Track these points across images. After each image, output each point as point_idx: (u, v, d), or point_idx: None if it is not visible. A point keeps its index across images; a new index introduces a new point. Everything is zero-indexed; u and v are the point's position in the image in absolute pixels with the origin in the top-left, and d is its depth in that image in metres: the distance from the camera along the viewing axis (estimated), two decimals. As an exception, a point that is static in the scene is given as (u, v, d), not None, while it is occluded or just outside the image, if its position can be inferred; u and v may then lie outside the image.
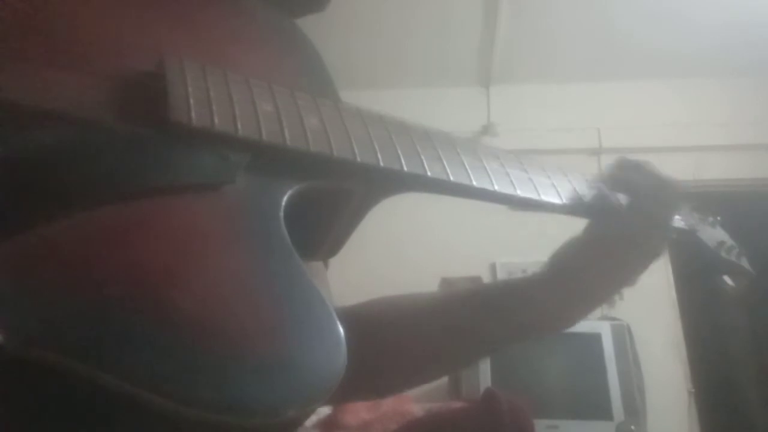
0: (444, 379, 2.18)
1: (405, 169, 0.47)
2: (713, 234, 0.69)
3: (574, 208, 0.57)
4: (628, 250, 0.58)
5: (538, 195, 0.54)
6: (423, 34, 2.67)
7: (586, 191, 0.59)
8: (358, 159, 0.45)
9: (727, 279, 0.68)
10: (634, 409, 2.05)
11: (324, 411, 1.51)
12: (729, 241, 0.69)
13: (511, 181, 0.53)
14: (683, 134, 2.75)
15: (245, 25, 0.56)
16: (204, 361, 0.31)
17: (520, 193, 0.53)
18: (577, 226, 0.62)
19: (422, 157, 0.49)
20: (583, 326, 2.22)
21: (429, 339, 0.61)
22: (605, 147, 2.76)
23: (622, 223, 0.57)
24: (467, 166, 0.51)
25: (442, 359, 0.64)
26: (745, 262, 0.69)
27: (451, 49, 2.76)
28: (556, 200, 0.55)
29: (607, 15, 2.53)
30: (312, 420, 1.42)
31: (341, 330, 0.36)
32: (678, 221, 0.65)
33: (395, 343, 0.60)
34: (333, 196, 0.48)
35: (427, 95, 2.86)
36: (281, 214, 0.41)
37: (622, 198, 0.58)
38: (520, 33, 2.65)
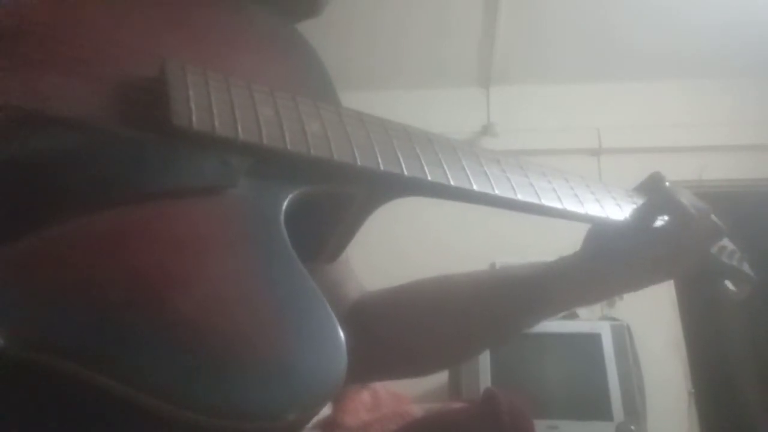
0: (444, 379, 2.18)
1: (405, 173, 0.47)
2: None
3: (575, 213, 0.57)
4: (664, 266, 0.60)
5: (539, 199, 0.54)
6: (422, 34, 2.67)
7: (588, 195, 0.59)
8: (359, 163, 0.45)
9: (728, 284, 0.67)
10: (634, 409, 2.05)
11: (324, 411, 1.51)
12: (730, 246, 0.68)
13: (512, 186, 0.53)
14: (684, 135, 2.75)
15: (246, 31, 0.57)
16: (204, 365, 0.31)
17: (521, 197, 0.53)
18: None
19: (423, 161, 0.49)
20: (583, 326, 2.24)
21: (470, 320, 0.64)
22: (605, 147, 2.76)
23: (666, 243, 0.59)
24: (468, 171, 0.51)
25: (478, 340, 0.67)
26: (746, 267, 0.68)
27: (451, 49, 2.76)
28: (556, 205, 0.55)
29: (607, 15, 2.53)
30: (312, 420, 1.41)
31: (342, 334, 0.36)
32: None
33: (436, 323, 0.64)
34: (334, 200, 0.48)
35: (427, 96, 2.86)
36: (282, 218, 0.41)
37: (661, 220, 0.60)
38: (520, 33, 2.65)
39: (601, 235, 0.62)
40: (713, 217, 0.61)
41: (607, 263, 0.60)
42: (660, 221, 0.60)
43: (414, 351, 0.65)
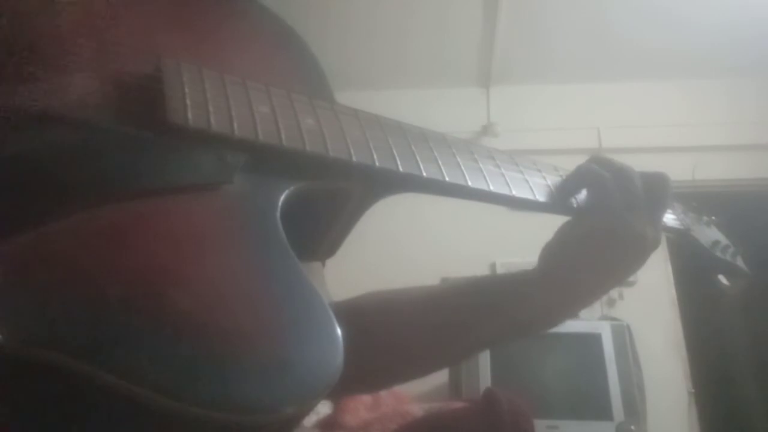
0: (444, 379, 2.18)
1: (401, 169, 0.47)
2: (708, 233, 0.69)
3: (568, 208, 0.57)
4: (616, 248, 0.56)
5: (534, 195, 0.54)
6: (423, 34, 2.67)
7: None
8: (354, 159, 0.46)
9: (722, 278, 0.68)
10: (634, 409, 2.05)
11: (324, 411, 1.51)
12: (724, 241, 0.69)
13: (507, 182, 0.53)
14: (683, 134, 2.75)
15: (242, 29, 0.57)
16: (203, 359, 0.31)
17: (516, 193, 0.53)
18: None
19: (418, 157, 0.49)
20: (583, 326, 2.23)
21: (423, 333, 0.60)
22: (605, 147, 2.76)
23: (608, 219, 0.55)
24: (463, 167, 0.51)
25: (437, 353, 0.63)
26: (740, 262, 0.69)
27: (451, 49, 2.76)
28: (550, 200, 0.55)
29: (606, 15, 2.53)
30: (312, 420, 1.42)
31: (339, 328, 0.36)
32: (672, 221, 0.65)
33: (390, 336, 0.60)
34: (330, 196, 0.48)
35: (427, 96, 2.86)
36: (278, 214, 0.41)
37: (583, 194, 0.57)
38: (520, 33, 2.65)
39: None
40: (663, 185, 0.57)
41: (560, 254, 0.57)
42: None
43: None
